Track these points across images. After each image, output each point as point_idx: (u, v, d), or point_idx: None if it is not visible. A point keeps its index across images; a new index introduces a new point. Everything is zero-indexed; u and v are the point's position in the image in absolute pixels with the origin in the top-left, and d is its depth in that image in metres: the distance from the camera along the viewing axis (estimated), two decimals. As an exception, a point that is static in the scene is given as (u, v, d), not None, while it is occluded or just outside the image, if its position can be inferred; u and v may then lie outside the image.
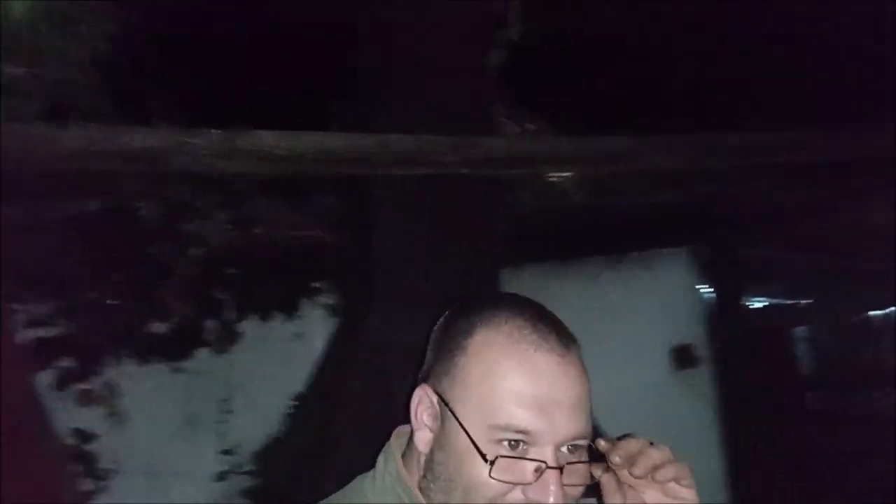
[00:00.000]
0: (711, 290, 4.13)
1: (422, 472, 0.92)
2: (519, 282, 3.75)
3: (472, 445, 0.85)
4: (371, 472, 0.99)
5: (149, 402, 3.32)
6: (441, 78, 2.77)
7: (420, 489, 0.93)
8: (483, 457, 0.84)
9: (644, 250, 3.99)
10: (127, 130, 1.92)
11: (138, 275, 3.02)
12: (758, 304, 5.07)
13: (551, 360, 0.89)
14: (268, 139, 2.08)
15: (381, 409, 2.52)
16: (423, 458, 0.93)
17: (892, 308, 4.80)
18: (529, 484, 0.85)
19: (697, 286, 4.12)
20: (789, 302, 5.03)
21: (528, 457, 0.85)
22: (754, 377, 4.22)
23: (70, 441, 3.05)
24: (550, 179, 3.73)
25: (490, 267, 2.92)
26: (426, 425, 0.93)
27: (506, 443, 0.86)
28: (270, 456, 3.41)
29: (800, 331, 5.05)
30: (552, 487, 0.85)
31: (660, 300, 4.01)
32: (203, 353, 3.35)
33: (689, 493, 0.90)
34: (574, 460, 0.89)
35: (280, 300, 3.33)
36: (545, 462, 0.85)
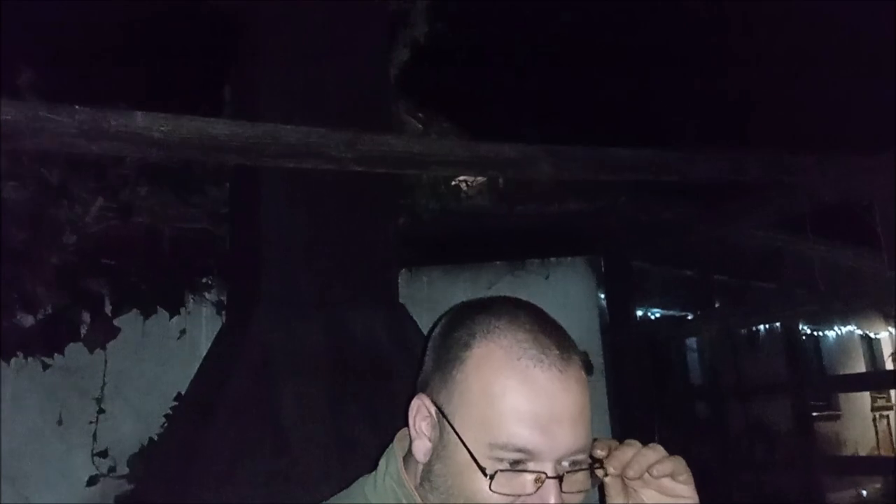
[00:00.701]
0: (607, 299, 4.20)
1: (419, 480, 0.93)
2: (415, 284, 3.72)
3: (471, 460, 0.85)
4: (373, 474, 0.99)
5: (15, 400, 3.09)
6: (340, 73, 2.69)
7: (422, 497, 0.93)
8: (483, 471, 0.84)
9: (543, 258, 4.02)
10: (-24, 102, 1.74)
11: (5, 262, 2.78)
12: (650, 314, 5.21)
13: (551, 375, 0.88)
14: (142, 121, 1.94)
15: (262, 412, 2.41)
16: (420, 467, 0.93)
17: (776, 322, 5.03)
18: (530, 495, 0.86)
19: (594, 295, 4.18)
20: (680, 314, 5.19)
21: (528, 469, 0.86)
22: (646, 386, 4.32)
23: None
24: (453, 183, 3.71)
25: (386, 267, 2.85)
26: (424, 435, 0.92)
27: (506, 460, 0.86)
28: (147, 459, 3.22)
29: (690, 342, 5.22)
30: (552, 497, 0.85)
31: (557, 308, 3.99)
32: (76, 349, 3.14)
33: (685, 489, 0.91)
34: (573, 469, 0.89)
35: (163, 295, 3.15)
36: (545, 472, 0.85)
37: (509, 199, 3.88)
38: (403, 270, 3.53)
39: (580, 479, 0.90)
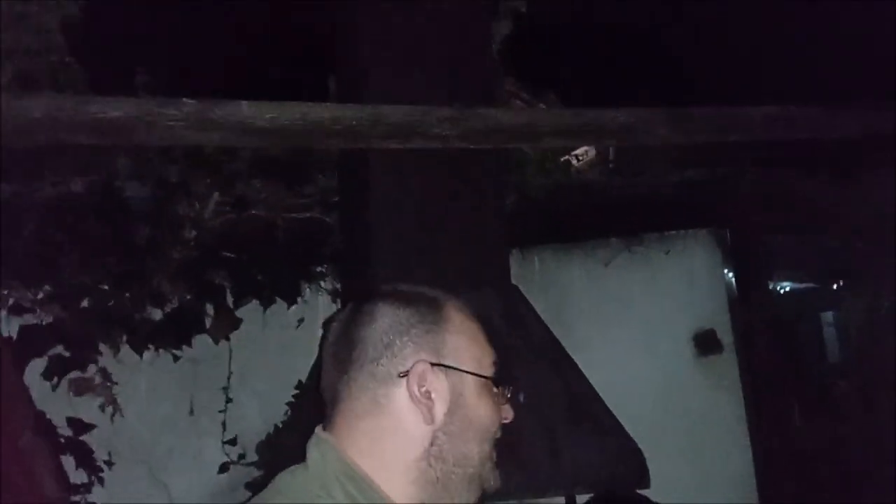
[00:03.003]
0: (735, 273, 3.93)
1: (427, 445, 1.00)
2: (528, 265, 3.60)
3: (484, 387, 1.04)
4: (300, 467, 1.02)
5: (147, 391, 3.23)
6: (440, 47, 2.62)
7: (419, 468, 1.00)
8: (501, 384, 1.06)
9: (662, 232, 3.80)
10: (93, 101, 1.79)
11: (130, 258, 2.91)
12: (784, 288, 4.85)
13: None
14: (247, 110, 1.95)
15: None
16: (428, 433, 1.00)
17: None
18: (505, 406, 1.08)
19: (720, 269, 3.93)
20: (817, 286, 4.81)
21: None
22: (781, 364, 4.03)
23: (65, 432, 2.96)
24: (562, 158, 3.57)
25: (497, 248, 2.77)
26: (440, 396, 1.02)
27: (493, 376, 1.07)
28: (274, 446, 3.30)
29: (828, 316, 4.83)
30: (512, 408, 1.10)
31: (680, 284, 3.83)
32: (203, 341, 3.24)
33: None
34: None
35: (280, 285, 3.21)
36: (511, 386, 1.08)
37: (623, 171, 3.70)
38: (514, 251, 3.43)
39: None
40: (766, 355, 3.97)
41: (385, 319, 1.04)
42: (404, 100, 2.29)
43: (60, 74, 2.03)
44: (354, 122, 2.07)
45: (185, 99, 1.88)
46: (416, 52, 2.61)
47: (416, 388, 1.00)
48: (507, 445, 2.32)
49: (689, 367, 3.79)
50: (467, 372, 1.03)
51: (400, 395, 1.01)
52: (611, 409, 2.72)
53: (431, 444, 1.01)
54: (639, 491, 2.55)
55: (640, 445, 2.69)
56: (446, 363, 1.02)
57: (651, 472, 2.63)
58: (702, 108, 2.39)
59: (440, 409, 1.01)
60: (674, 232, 3.85)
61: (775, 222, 4.05)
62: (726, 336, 3.86)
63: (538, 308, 2.89)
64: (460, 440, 1.02)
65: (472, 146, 2.23)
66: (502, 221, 2.83)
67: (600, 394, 2.75)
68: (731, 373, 3.85)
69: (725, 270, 3.94)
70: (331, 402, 1.05)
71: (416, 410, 1.00)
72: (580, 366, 2.81)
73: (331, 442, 1.02)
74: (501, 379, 1.06)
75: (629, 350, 3.65)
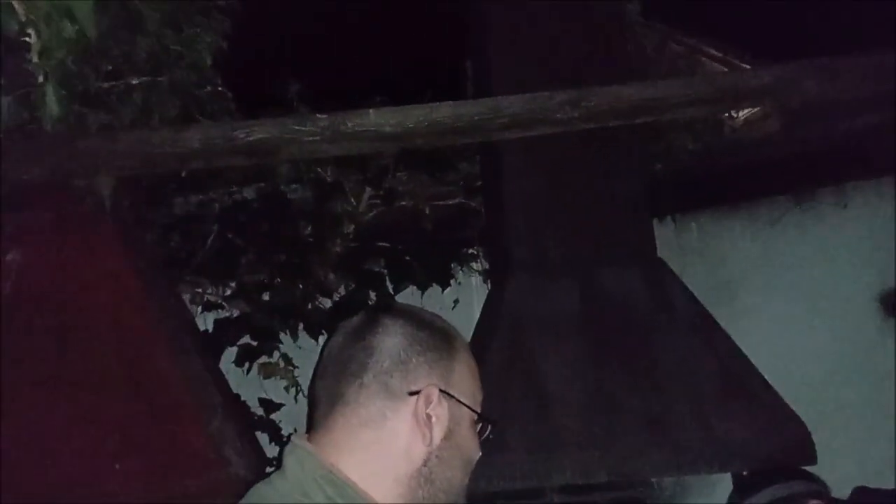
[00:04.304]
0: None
1: (419, 465, 1.04)
2: (685, 233, 3.47)
3: (474, 422, 1.08)
4: (277, 475, 1.05)
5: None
6: (566, 27, 2.59)
7: (409, 485, 1.05)
8: (492, 422, 1.10)
9: (838, 183, 3.48)
10: (239, 126, 2.00)
11: (298, 254, 3.19)
12: None
13: None
14: (375, 119, 2.07)
15: (522, 379, 2.46)
16: (423, 453, 1.04)
17: None
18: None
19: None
20: None
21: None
22: None
23: (258, 411, 3.34)
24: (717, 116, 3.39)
25: (637, 221, 2.71)
26: (437, 423, 1.05)
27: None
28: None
29: None
30: None
31: (861, 240, 3.50)
32: (369, 326, 3.48)
33: None
34: None
35: (433, 269, 3.36)
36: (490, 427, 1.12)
37: (787, 123, 3.43)
38: (668, 219, 3.33)
39: None
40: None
41: (405, 337, 1.07)
42: (533, 86, 2.30)
43: (213, 103, 2.29)
44: (476, 118, 2.12)
45: (318, 115, 2.04)
46: (543, 38, 2.60)
47: (421, 410, 1.04)
48: (657, 422, 2.33)
49: (875, 332, 3.47)
50: (465, 405, 1.06)
51: (405, 411, 1.04)
52: (784, 380, 2.59)
53: (424, 465, 1.04)
54: (807, 467, 2.42)
55: (819, 419, 2.53)
56: (451, 392, 1.06)
57: (832, 448, 2.48)
58: (852, 57, 2.17)
59: (438, 434, 1.04)
60: (851, 183, 3.52)
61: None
62: (920, 294, 3.50)
63: (698, 277, 2.80)
64: (449, 466, 1.06)
65: (595, 126, 2.20)
66: (643, 192, 2.76)
67: (771, 364, 2.63)
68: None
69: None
70: (328, 404, 1.05)
71: (416, 430, 1.04)
72: (747, 335, 2.69)
73: (307, 448, 1.04)
74: (486, 419, 1.09)
75: (803, 316, 3.41)
